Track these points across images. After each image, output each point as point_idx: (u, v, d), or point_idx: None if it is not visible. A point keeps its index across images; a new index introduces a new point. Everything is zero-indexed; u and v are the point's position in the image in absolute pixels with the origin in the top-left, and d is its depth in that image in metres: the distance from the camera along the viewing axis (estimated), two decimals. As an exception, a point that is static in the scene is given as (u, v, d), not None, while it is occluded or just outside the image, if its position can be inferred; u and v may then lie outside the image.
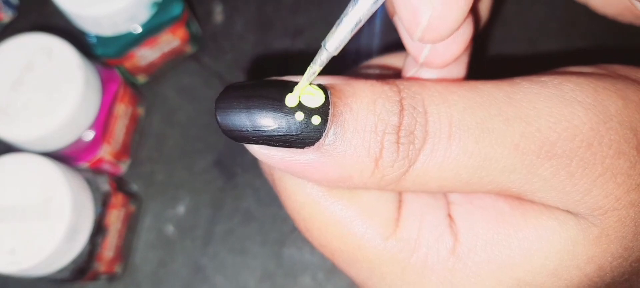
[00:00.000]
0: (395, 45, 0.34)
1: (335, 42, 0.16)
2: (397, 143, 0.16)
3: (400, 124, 0.16)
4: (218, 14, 0.35)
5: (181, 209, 0.31)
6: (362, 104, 0.16)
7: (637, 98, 0.17)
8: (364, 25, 0.18)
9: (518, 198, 0.18)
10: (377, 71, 0.21)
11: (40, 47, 0.26)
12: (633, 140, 0.16)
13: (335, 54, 0.16)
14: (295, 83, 0.16)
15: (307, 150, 0.16)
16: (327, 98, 0.16)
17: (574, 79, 0.17)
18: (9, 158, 0.25)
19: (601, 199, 0.16)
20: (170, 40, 0.31)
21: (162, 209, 0.31)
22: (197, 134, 0.33)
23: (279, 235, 0.31)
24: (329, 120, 0.15)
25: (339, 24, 0.16)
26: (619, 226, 0.17)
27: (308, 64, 0.29)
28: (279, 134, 0.15)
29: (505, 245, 0.17)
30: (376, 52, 0.26)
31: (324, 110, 0.15)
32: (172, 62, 0.33)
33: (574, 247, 0.17)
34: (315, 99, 0.15)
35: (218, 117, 0.16)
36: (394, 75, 0.21)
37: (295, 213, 0.19)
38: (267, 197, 0.31)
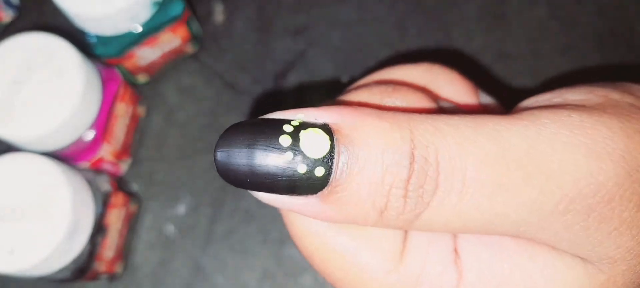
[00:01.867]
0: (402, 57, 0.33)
1: None
2: (405, 197, 0.15)
3: (409, 176, 0.15)
4: (219, 14, 0.35)
5: (181, 209, 0.31)
6: (370, 155, 0.15)
7: None
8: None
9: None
10: (382, 86, 0.20)
11: (40, 47, 0.26)
12: None
13: None
14: (300, 123, 0.15)
15: (309, 197, 0.15)
16: (332, 145, 0.15)
17: (605, 120, 0.16)
18: (9, 158, 0.25)
19: (612, 250, 0.16)
20: (171, 40, 0.31)
21: (162, 209, 0.31)
22: (197, 134, 0.33)
23: (279, 234, 0.31)
24: (332, 171, 0.15)
25: None
26: (627, 273, 0.16)
27: (308, 64, 0.29)
28: (281, 186, 0.15)
29: (509, 283, 0.17)
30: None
31: (328, 161, 0.15)
32: (173, 61, 0.33)
33: None
34: (319, 145, 0.15)
35: (219, 169, 0.15)
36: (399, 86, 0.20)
37: (298, 240, 0.18)
38: (268, 196, 0.31)
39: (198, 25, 0.33)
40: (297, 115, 0.15)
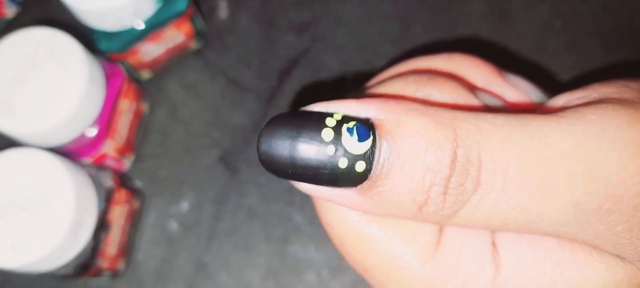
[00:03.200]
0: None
1: None
2: (445, 194, 0.15)
3: (450, 175, 0.15)
4: (223, 10, 0.34)
5: (185, 205, 0.31)
6: (412, 152, 0.15)
7: None
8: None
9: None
10: (412, 77, 0.20)
11: (43, 42, 0.26)
12: None
13: None
14: (342, 116, 0.15)
15: (349, 190, 0.15)
16: (374, 140, 0.15)
17: None
18: (12, 153, 0.25)
19: None
20: (175, 36, 0.31)
21: (165, 205, 0.31)
22: (201, 130, 0.32)
23: (283, 232, 0.31)
24: (373, 166, 0.15)
25: None
26: None
27: (312, 61, 0.29)
28: (322, 179, 0.15)
29: (549, 283, 0.17)
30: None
31: (369, 156, 0.15)
32: (177, 57, 0.33)
33: None
34: (358, 141, 0.15)
35: (261, 159, 0.15)
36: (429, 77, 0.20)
37: (331, 228, 0.18)
38: (272, 193, 0.31)
39: (202, 21, 0.33)
40: (339, 108, 0.15)
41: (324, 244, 0.30)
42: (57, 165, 0.24)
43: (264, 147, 0.15)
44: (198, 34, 0.32)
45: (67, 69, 0.26)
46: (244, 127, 0.32)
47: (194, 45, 0.33)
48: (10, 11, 0.33)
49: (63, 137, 0.26)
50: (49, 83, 0.25)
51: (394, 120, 0.15)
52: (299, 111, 0.16)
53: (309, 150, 0.15)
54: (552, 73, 0.33)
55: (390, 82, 0.19)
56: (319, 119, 0.15)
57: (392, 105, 0.15)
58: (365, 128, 0.15)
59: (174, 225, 0.31)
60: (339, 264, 0.30)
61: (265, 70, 0.33)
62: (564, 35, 0.33)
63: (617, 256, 0.16)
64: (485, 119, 0.15)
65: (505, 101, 0.20)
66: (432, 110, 0.15)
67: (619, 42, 0.33)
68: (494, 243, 0.18)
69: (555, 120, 0.16)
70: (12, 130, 0.25)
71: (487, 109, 0.19)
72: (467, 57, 0.21)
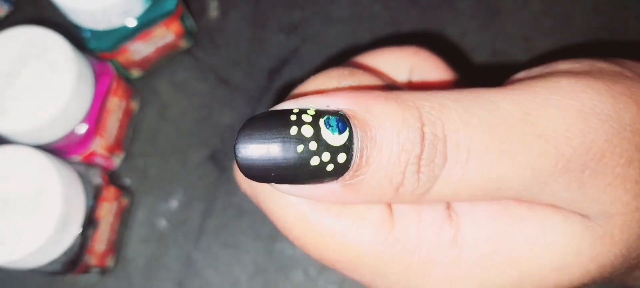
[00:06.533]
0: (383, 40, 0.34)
1: None
2: (418, 172, 0.16)
3: (421, 152, 0.15)
4: (213, 9, 0.35)
5: (174, 203, 0.31)
6: (386, 136, 0.15)
7: None
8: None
9: None
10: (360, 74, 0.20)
11: (33, 40, 0.26)
12: None
13: None
14: (315, 111, 0.15)
15: (330, 183, 0.16)
16: (350, 132, 0.15)
17: (592, 83, 0.17)
18: (1, 151, 0.25)
19: (608, 205, 0.16)
20: (165, 35, 0.31)
21: (154, 203, 0.31)
22: (190, 129, 0.33)
23: (271, 230, 0.31)
24: (353, 155, 0.15)
25: None
26: (624, 228, 0.17)
27: (302, 61, 0.29)
28: (306, 176, 0.15)
29: (509, 237, 0.17)
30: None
31: (348, 147, 0.15)
32: (167, 56, 0.33)
33: (579, 244, 0.17)
34: (338, 134, 0.15)
35: (242, 168, 0.15)
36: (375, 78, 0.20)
37: (288, 233, 0.18)
38: (260, 192, 0.31)
39: (192, 20, 0.33)
40: (310, 104, 0.16)
41: (312, 242, 0.31)
42: (45, 162, 0.25)
43: (242, 154, 0.15)
44: (188, 33, 0.32)
45: (56, 67, 0.26)
46: (233, 126, 0.32)
47: (184, 44, 0.33)
48: (1, 10, 0.34)
49: (52, 135, 0.26)
50: (38, 81, 0.26)
51: (363, 108, 0.16)
52: (272, 111, 0.16)
53: (292, 149, 0.15)
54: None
55: (314, 78, 0.19)
56: (297, 117, 0.15)
57: (358, 94, 0.16)
58: (341, 120, 0.15)
59: (163, 223, 0.31)
60: (326, 262, 0.30)
61: (255, 70, 0.33)
62: (554, 35, 0.33)
63: (577, 213, 0.17)
64: (441, 96, 0.16)
65: None
66: (393, 94, 0.16)
67: (609, 41, 0.33)
68: (449, 206, 0.18)
69: (504, 91, 0.16)
70: (1, 127, 0.25)
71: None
72: (431, 56, 0.22)
